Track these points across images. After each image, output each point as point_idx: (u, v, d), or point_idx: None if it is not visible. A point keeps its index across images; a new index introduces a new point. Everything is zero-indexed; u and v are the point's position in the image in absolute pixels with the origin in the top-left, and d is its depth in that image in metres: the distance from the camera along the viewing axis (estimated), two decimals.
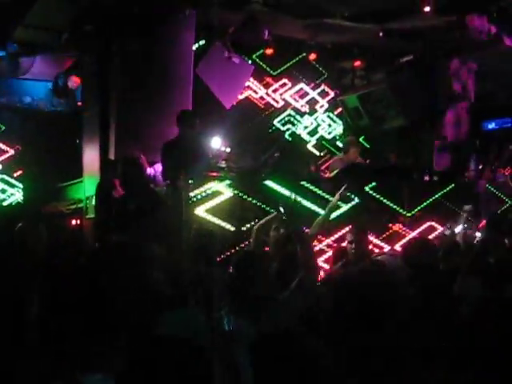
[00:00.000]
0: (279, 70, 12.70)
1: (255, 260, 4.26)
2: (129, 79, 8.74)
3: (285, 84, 12.90)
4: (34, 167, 11.44)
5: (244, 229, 7.17)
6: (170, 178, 7.29)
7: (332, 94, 13.25)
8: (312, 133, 13.23)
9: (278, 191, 7.43)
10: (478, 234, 7.72)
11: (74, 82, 10.28)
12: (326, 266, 6.92)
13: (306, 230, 5.49)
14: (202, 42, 10.34)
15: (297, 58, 12.60)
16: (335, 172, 9.14)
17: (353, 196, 7.83)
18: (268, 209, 7.12)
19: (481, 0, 10.03)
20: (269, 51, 11.63)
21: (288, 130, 12.99)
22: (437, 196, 8.65)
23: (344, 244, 6.61)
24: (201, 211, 7.02)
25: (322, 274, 6.32)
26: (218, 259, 6.04)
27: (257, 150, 10.66)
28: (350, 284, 1.91)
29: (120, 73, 8.84)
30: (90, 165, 9.14)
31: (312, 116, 13.24)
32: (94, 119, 9.19)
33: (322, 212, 6.62)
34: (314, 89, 13.17)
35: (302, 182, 7.78)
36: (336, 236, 7.51)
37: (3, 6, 9.02)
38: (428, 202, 8.56)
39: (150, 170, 7.91)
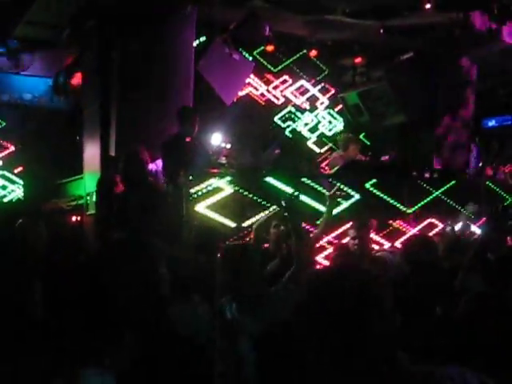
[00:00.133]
0: (280, 67, 12.71)
1: (244, 253, 4.19)
2: (129, 76, 8.72)
3: (285, 81, 12.91)
4: (35, 164, 11.43)
5: (245, 225, 7.17)
6: (171, 174, 7.29)
7: (332, 90, 13.25)
8: (312, 130, 13.23)
9: (278, 187, 7.43)
10: (478, 231, 7.72)
11: (78, 79, 10.26)
12: (327, 263, 6.92)
13: (307, 227, 5.49)
14: (202, 39, 10.33)
15: (297, 55, 12.60)
16: (335, 169, 9.14)
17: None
18: (269, 205, 7.12)
19: None
20: (269, 48, 11.62)
21: (288, 126, 12.99)
22: (437, 193, 8.65)
23: (345, 241, 6.63)
24: (201, 208, 7.02)
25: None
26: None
27: (257, 146, 10.66)
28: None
29: (121, 69, 8.83)
30: (90, 161, 9.13)
31: (312, 113, 13.25)
32: (94, 116, 9.18)
33: (322, 208, 6.61)
34: (314, 86, 13.17)
35: (303, 179, 7.77)
36: (336, 233, 7.51)
37: (4, 2, 9.02)
38: (428, 199, 8.56)
39: (151, 166, 7.90)
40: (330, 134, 13.29)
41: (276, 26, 10.41)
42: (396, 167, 9.74)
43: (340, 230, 7.41)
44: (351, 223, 6.68)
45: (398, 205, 8.37)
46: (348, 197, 7.95)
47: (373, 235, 7.37)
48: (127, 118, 8.64)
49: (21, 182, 11.86)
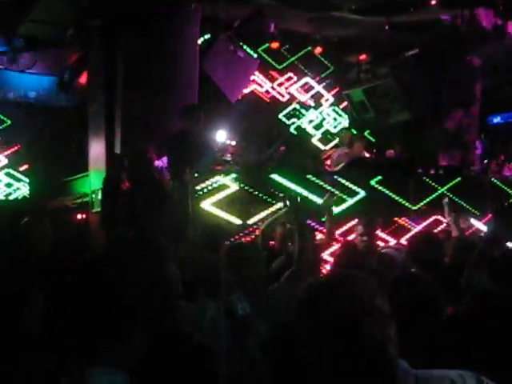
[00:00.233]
0: (285, 64, 12.70)
1: (246, 251, 4.19)
2: (134, 73, 8.73)
3: (290, 78, 12.90)
4: (40, 161, 11.47)
5: (250, 222, 7.17)
6: (176, 171, 7.29)
7: (337, 87, 13.23)
8: (317, 127, 13.22)
9: (283, 185, 7.43)
10: (484, 228, 7.70)
11: (85, 77, 10.27)
12: (331, 260, 6.91)
13: (312, 224, 5.48)
14: (207, 36, 10.33)
15: (302, 52, 12.59)
16: (340, 166, 9.13)
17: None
18: (274, 202, 7.12)
19: None
20: (274, 45, 11.61)
21: (293, 123, 12.98)
22: (442, 190, 8.63)
23: (351, 237, 6.61)
24: (207, 205, 7.02)
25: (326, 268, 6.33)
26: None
27: (262, 143, 10.65)
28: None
29: (125, 67, 8.83)
30: (95, 159, 9.14)
31: (317, 110, 13.23)
32: (99, 113, 9.19)
33: None
34: (319, 83, 13.16)
35: (308, 176, 7.77)
36: (342, 229, 7.50)
37: (8, 1, 9.03)
38: (434, 195, 8.54)
39: (158, 163, 7.90)
40: (334, 131, 13.27)
41: (281, 22, 10.41)
42: (401, 164, 9.71)
43: (345, 227, 7.41)
44: (358, 220, 6.67)
45: (403, 202, 8.36)
46: (353, 194, 7.94)
47: (378, 232, 7.36)
48: (132, 116, 8.65)
49: (26, 179, 11.90)
